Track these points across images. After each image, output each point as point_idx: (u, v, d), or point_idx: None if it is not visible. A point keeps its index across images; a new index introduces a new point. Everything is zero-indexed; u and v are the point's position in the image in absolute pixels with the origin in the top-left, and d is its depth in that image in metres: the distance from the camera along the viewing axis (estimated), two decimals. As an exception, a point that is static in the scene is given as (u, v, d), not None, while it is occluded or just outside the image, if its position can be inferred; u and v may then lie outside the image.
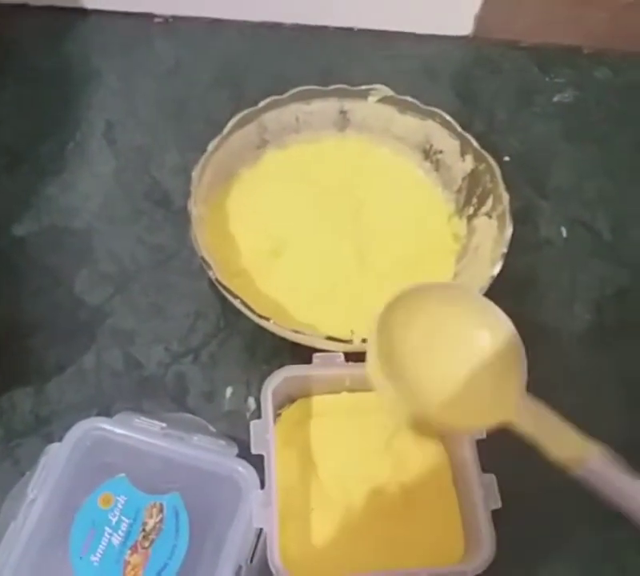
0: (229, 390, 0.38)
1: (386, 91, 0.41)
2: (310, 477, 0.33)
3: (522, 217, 0.42)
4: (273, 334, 0.36)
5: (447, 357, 0.28)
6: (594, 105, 0.48)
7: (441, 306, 0.28)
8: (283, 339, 0.36)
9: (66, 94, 0.48)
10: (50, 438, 0.36)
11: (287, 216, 0.41)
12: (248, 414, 0.37)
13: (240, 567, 0.31)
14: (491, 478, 0.31)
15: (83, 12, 0.52)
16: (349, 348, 0.34)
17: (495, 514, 0.30)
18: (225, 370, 0.39)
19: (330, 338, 0.33)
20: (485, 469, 0.31)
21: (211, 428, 0.36)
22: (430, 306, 0.28)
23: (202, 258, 0.35)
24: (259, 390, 0.34)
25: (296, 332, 0.33)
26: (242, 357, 0.39)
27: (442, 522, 0.32)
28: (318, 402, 0.35)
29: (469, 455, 0.31)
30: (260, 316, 0.34)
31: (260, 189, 0.41)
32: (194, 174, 0.37)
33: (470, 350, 0.28)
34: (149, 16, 0.52)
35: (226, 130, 0.39)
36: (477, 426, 0.29)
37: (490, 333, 0.28)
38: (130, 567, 0.31)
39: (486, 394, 0.27)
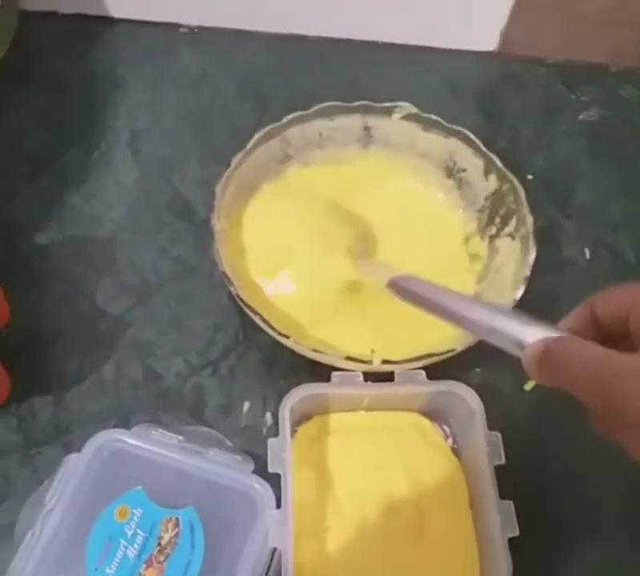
0: (246, 405, 0.38)
1: (410, 108, 0.41)
2: (325, 496, 0.33)
3: (545, 236, 0.41)
4: (291, 351, 0.37)
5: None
6: (620, 124, 0.48)
7: None
8: (301, 356, 0.36)
9: (91, 103, 0.49)
10: (68, 448, 0.36)
11: (306, 234, 0.40)
12: (265, 430, 0.37)
13: (254, 585, 0.32)
14: (509, 504, 0.31)
15: (110, 21, 0.52)
16: (368, 368, 0.34)
17: (512, 542, 0.30)
18: (243, 383, 0.39)
19: (349, 358, 0.33)
20: (503, 495, 0.31)
21: (228, 442, 0.37)
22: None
23: (224, 273, 0.35)
24: (276, 406, 0.34)
25: (316, 351, 0.33)
26: (260, 371, 0.39)
27: (457, 546, 0.31)
28: (335, 419, 0.35)
29: (487, 481, 0.31)
30: (280, 333, 0.34)
31: (285, 210, 0.41)
32: (218, 188, 0.37)
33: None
34: (175, 26, 0.52)
35: (250, 145, 0.39)
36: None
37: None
38: (144, 581, 0.32)
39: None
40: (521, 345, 0.25)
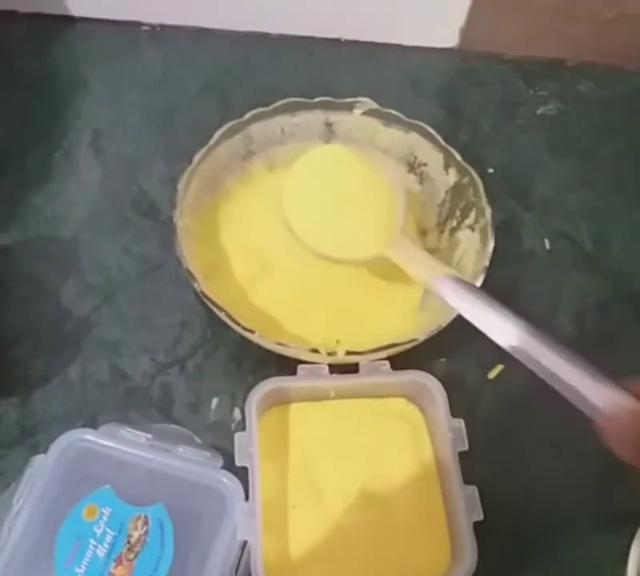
0: (214, 401, 0.38)
1: (371, 104, 0.41)
2: (292, 487, 0.33)
3: (505, 229, 0.42)
4: (259, 346, 0.37)
5: (339, 204, 0.36)
6: (577, 117, 0.49)
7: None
8: (269, 351, 0.36)
9: (52, 103, 0.48)
10: (35, 449, 0.36)
11: (273, 231, 0.41)
12: (233, 425, 0.38)
13: (224, 579, 0.32)
14: (473, 489, 0.31)
15: (71, 20, 0.51)
16: (333, 360, 0.34)
17: (479, 527, 0.31)
18: (211, 381, 0.39)
19: (314, 351, 0.34)
20: (468, 481, 0.32)
21: (197, 439, 0.37)
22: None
23: (187, 270, 0.35)
24: (245, 401, 0.34)
25: (280, 344, 0.34)
26: (228, 368, 0.39)
27: (428, 533, 0.32)
28: (296, 409, 0.35)
29: (451, 467, 0.32)
30: (245, 328, 0.34)
31: (248, 204, 0.42)
32: (180, 185, 0.37)
33: (358, 199, 0.36)
34: (136, 24, 0.52)
35: (212, 141, 0.39)
36: (360, 257, 0.36)
37: (374, 184, 0.37)
38: (114, 579, 0.32)
39: (370, 230, 0.36)
40: (598, 411, 0.25)
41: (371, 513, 0.32)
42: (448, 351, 0.39)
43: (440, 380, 0.35)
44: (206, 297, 0.35)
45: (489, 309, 0.30)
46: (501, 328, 0.28)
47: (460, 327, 0.38)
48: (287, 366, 0.36)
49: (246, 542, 0.32)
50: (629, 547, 0.33)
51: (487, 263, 0.36)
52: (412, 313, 0.39)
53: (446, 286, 0.31)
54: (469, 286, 0.32)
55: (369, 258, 0.36)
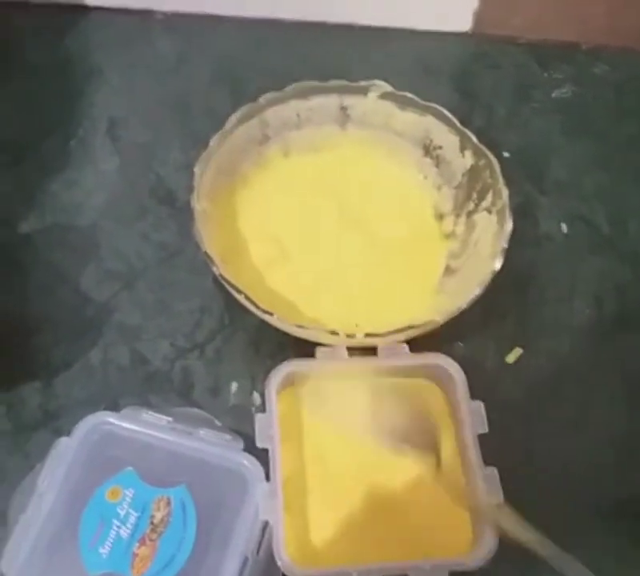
0: (234, 385, 0.39)
1: (386, 87, 0.41)
2: (312, 468, 0.33)
3: (521, 212, 0.42)
4: (277, 330, 0.37)
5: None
6: (592, 100, 0.49)
7: None
8: (287, 335, 0.37)
9: (67, 91, 0.49)
10: (58, 433, 0.36)
11: (291, 218, 0.41)
12: (253, 409, 0.38)
13: (246, 559, 0.32)
14: (493, 470, 0.31)
15: (84, 9, 0.52)
16: (352, 342, 0.34)
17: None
18: (230, 365, 0.39)
19: (332, 332, 0.34)
20: (488, 462, 0.32)
21: (217, 422, 0.37)
22: None
23: (206, 253, 0.36)
24: (264, 385, 0.35)
25: (299, 327, 0.34)
26: (247, 352, 0.40)
27: (449, 515, 0.32)
28: (314, 389, 0.35)
29: (471, 448, 0.32)
30: (263, 311, 0.34)
31: (265, 192, 0.42)
32: (197, 169, 0.37)
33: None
34: (149, 13, 0.52)
35: (227, 126, 0.39)
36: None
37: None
38: (138, 559, 0.32)
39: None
40: None
41: (392, 493, 0.32)
42: (466, 335, 0.39)
43: (458, 363, 0.35)
44: (225, 279, 0.35)
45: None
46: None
47: (478, 311, 0.38)
48: (305, 350, 0.36)
49: (267, 523, 0.32)
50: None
51: (505, 245, 0.36)
52: (430, 296, 0.39)
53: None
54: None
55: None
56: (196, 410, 0.37)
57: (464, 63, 0.50)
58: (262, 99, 0.40)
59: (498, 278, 0.36)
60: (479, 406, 0.33)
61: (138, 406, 0.36)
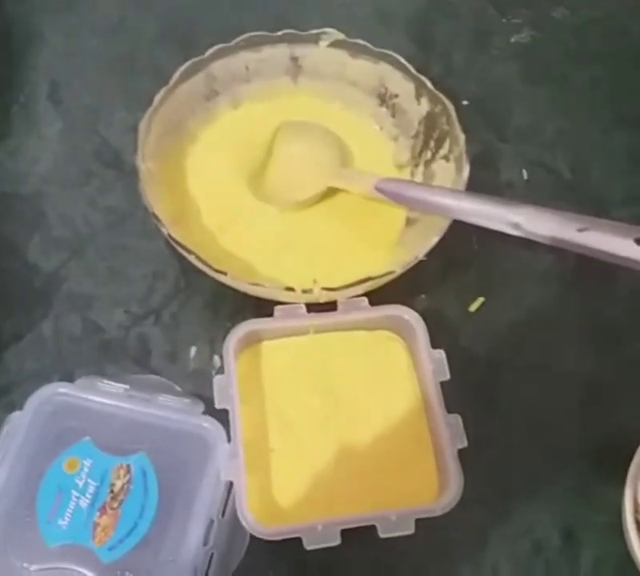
0: (193, 350, 0.38)
1: (337, 35, 0.39)
2: (272, 427, 0.33)
3: (482, 161, 0.41)
4: (234, 292, 0.36)
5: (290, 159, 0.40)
6: (552, 45, 0.47)
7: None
8: (246, 296, 0.35)
9: (7, 56, 0.46)
10: (11, 408, 0.34)
11: (243, 174, 0.40)
12: (213, 372, 0.37)
13: (212, 522, 0.31)
14: (456, 418, 0.31)
15: (22, -29, 0.49)
16: (310, 298, 0.33)
17: (464, 455, 0.30)
18: (187, 329, 0.38)
19: (288, 289, 0.33)
20: (451, 410, 0.31)
21: (177, 388, 0.36)
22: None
23: (153, 214, 0.34)
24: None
25: (254, 284, 0.33)
26: (205, 316, 0.38)
27: (415, 463, 0.31)
28: (272, 347, 0.34)
29: (434, 396, 0.31)
30: (217, 270, 0.33)
31: (214, 147, 0.40)
32: (141, 127, 0.36)
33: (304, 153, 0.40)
34: (89, -28, 0.49)
35: (172, 82, 0.37)
36: (312, 193, 0.39)
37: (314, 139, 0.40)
38: (99, 528, 0.31)
39: (316, 172, 0.39)
40: (515, 224, 0.30)
41: (356, 445, 0.32)
42: (427, 287, 0.39)
43: (421, 315, 0.34)
44: (175, 240, 0.33)
45: (426, 189, 0.36)
46: (441, 201, 0.34)
47: (439, 263, 0.37)
48: (265, 310, 0.35)
49: (231, 484, 0.32)
50: (617, 474, 0.33)
51: (462, 190, 0.34)
52: (389, 249, 0.38)
53: (384, 186, 0.36)
54: (401, 179, 0.38)
55: (321, 192, 0.39)
56: (154, 377, 0.36)
57: (420, 11, 0.48)
58: (208, 52, 0.39)
59: (458, 226, 0.34)
60: (440, 353, 0.32)
61: (93, 376, 0.35)
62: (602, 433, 0.36)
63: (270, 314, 0.35)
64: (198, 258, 0.33)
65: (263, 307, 0.35)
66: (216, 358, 0.37)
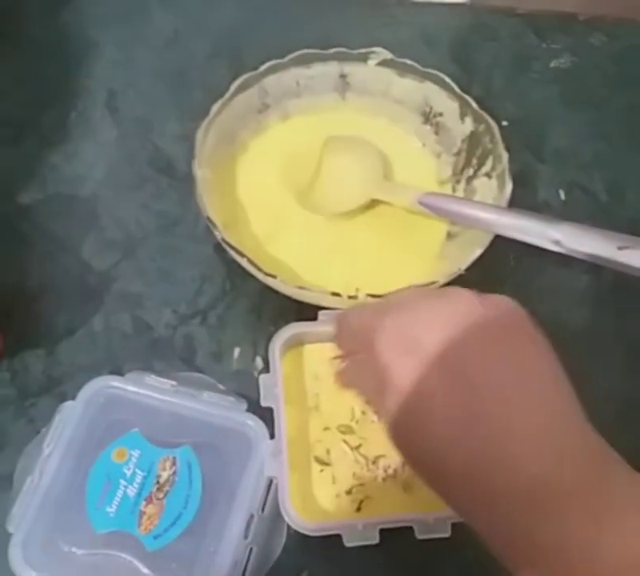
0: (237, 351, 0.39)
1: (386, 54, 0.41)
2: (313, 425, 0.34)
3: (521, 181, 0.42)
4: (278, 296, 0.37)
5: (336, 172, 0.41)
6: (590, 70, 0.49)
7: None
8: (289, 300, 0.37)
9: (65, 65, 0.48)
10: (63, 398, 0.36)
11: (291, 184, 0.42)
12: (256, 373, 0.38)
13: (252, 516, 0.33)
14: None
15: (81, -17, 0.51)
16: (353, 303, 0.35)
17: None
18: (232, 331, 0.40)
19: (334, 294, 0.34)
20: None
21: (220, 386, 0.37)
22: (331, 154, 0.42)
23: (208, 218, 0.36)
24: (266, 350, 0.35)
25: (301, 288, 0.34)
26: (249, 318, 0.40)
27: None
28: (314, 350, 0.36)
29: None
30: (266, 274, 0.34)
31: (263, 157, 0.42)
32: (198, 136, 0.38)
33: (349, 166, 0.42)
34: (146, -14, 0.52)
35: (228, 94, 0.39)
36: (358, 203, 0.41)
37: (359, 153, 0.42)
38: (145, 517, 0.33)
39: (361, 184, 0.41)
40: (556, 241, 0.32)
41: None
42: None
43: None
44: (227, 243, 0.35)
45: (469, 203, 0.37)
46: (483, 216, 0.35)
47: (478, 277, 0.39)
48: (307, 315, 0.36)
49: (271, 481, 0.33)
50: None
51: (505, 206, 0.36)
52: (431, 261, 0.39)
53: (428, 200, 0.38)
54: (445, 194, 0.40)
55: (365, 203, 0.41)
56: (199, 375, 0.38)
57: (462, 34, 0.50)
58: (262, 67, 0.41)
59: (498, 244, 0.36)
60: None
61: (141, 371, 0.37)
62: (638, 452, 0.36)
63: (312, 319, 0.36)
64: (250, 261, 0.35)
65: (305, 312, 0.37)
66: (258, 359, 0.39)
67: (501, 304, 0.24)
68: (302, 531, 0.30)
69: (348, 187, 0.41)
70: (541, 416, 0.22)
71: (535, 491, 0.20)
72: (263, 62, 0.41)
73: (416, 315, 0.24)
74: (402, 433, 0.23)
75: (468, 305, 0.24)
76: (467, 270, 0.36)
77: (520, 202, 0.38)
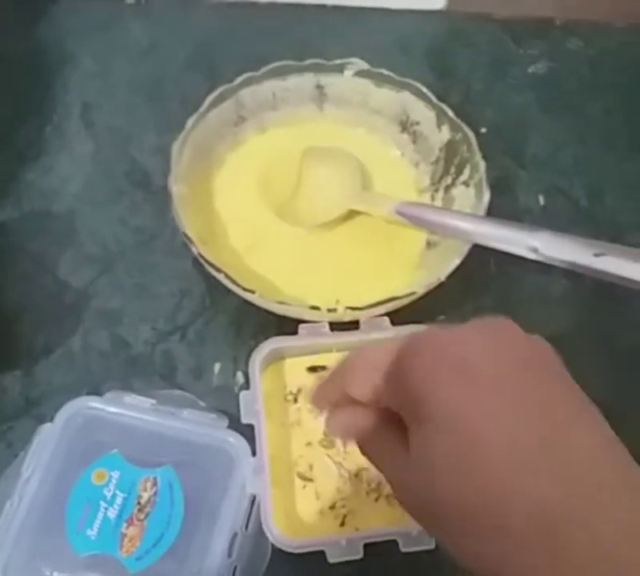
0: (217, 367, 0.39)
1: (362, 65, 0.41)
2: (295, 441, 0.34)
3: (500, 187, 0.42)
4: (258, 311, 0.37)
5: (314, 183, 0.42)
6: (567, 75, 0.49)
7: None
8: (269, 314, 0.37)
9: (41, 78, 0.48)
10: (41, 420, 0.36)
11: (269, 197, 0.41)
12: (236, 389, 0.38)
13: (235, 534, 0.32)
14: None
15: (55, -4, 0.51)
16: (334, 317, 0.34)
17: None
18: (212, 346, 0.39)
19: (314, 308, 0.34)
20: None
21: (201, 403, 0.37)
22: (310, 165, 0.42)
23: (185, 234, 0.35)
24: (247, 365, 0.34)
25: (280, 303, 0.34)
26: (229, 333, 0.39)
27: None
28: (294, 364, 0.36)
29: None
30: (244, 289, 0.34)
31: (240, 171, 0.42)
32: (174, 150, 0.37)
33: (327, 177, 0.42)
34: (120, -3, 0.51)
35: (203, 108, 0.39)
36: (337, 214, 0.40)
37: (337, 164, 0.42)
38: (127, 539, 0.32)
39: (339, 195, 0.41)
40: (533, 249, 0.32)
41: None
42: (447, 309, 0.39)
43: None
44: (204, 259, 0.35)
45: (445, 213, 0.37)
46: (460, 225, 0.35)
47: (459, 285, 0.38)
48: (288, 329, 0.36)
49: (254, 498, 0.32)
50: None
51: (483, 215, 0.36)
52: (409, 271, 0.39)
53: (404, 210, 0.38)
54: (421, 203, 0.40)
55: (343, 214, 0.41)
56: (179, 392, 0.37)
57: (439, 41, 0.50)
58: (237, 80, 0.40)
59: (477, 252, 0.36)
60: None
61: (120, 390, 0.36)
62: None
63: (293, 333, 0.36)
64: (227, 276, 0.34)
65: (286, 326, 0.36)
66: (239, 374, 0.38)
67: (543, 344, 0.22)
68: (284, 549, 0.30)
69: (325, 198, 0.40)
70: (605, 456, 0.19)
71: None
72: (240, 73, 0.41)
73: (465, 338, 0.21)
74: (448, 476, 0.19)
75: (519, 339, 0.21)
76: (448, 278, 0.35)
77: (500, 208, 0.38)
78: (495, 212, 0.37)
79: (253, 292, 0.34)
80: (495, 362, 0.20)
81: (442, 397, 0.19)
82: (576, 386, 0.21)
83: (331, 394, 0.23)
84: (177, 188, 0.37)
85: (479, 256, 0.36)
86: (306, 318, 0.35)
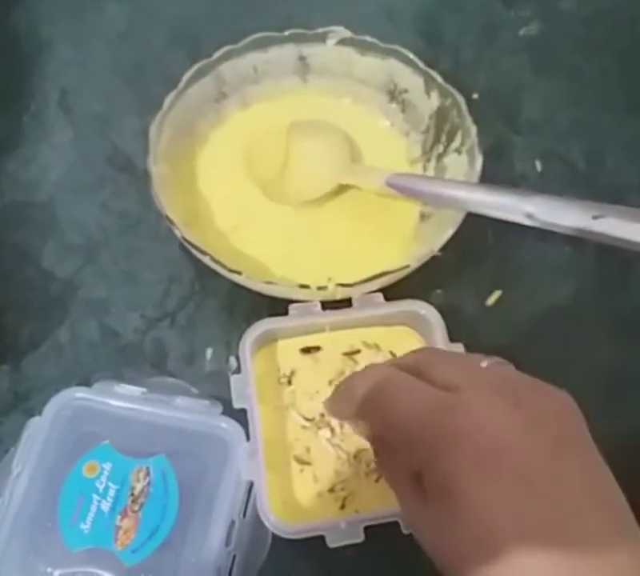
0: (209, 352, 0.37)
1: (344, 32, 0.39)
2: (290, 424, 0.33)
3: (495, 153, 0.41)
4: (249, 293, 0.35)
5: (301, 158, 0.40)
6: (560, 36, 0.47)
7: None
8: (261, 297, 0.35)
9: (17, 66, 0.47)
10: (31, 414, 0.35)
11: (255, 174, 0.40)
12: (230, 374, 0.36)
13: (233, 522, 0.31)
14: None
15: (27, -18, 0.49)
16: (325, 295, 0.33)
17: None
18: (203, 331, 0.38)
19: (303, 286, 0.32)
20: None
21: (193, 390, 0.36)
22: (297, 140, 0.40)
23: (167, 217, 0.34)
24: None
25: (268, 283, 0.32)
26: (220, 317, 0.38)
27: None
28: (287, 346, 0.34)
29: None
30: (231, 270, 0.33)
31: (224, 148, 0.40)
32: (152, 130, 0.36)
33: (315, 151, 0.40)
34: (95, -20, 0.50)
35: (181, 85, 0.37)
36: (326, 189, 0.39)
37: (324, 137, 0.40)
38: (121, 531, 0.31)
39: (327, 169, 0.39)
40: (529, 214, 0.30)
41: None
42: (443, 282, 0.38)
43: (438, 310, 0.34)
44: (189, 242, 0.33)
45: (436, 182, 0.36)
46: (452, 194, 0.33)
47: (455, 257, 0.37)
48: (280, 310, 0.35)
49: (251, 485, 0.31)
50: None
51: (476, 181, 0.34)
52: (404, 245, 0.38)
53: (395, 181, 0.36)
54: (411, 174, 0.38)
55: (332, 189, 0.39)
56: (171, 379, 0.36)
57: (427, 6, 0.48)
58: (216, 54, 0.39)
59: (475, 222, 0.34)
60: (459, 347, 0.32)
61: (110, 380, 0.35)
62: (626, 424, 0.35)
63: (285, 314, 0.35)
64: (213, 258, 0.33)
65: (278, 307, 0.35)
66: (232, 359, 0.37)
67: (570, 406, 0.22)
68: (282, 535, 0.29)
69: (313, 173, 0.39)
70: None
71: None
72: (222, 47, 0.39)
73: (489, 418, 0.20)
74: (462, 560, 0.19)
75: (546, 409, 0.21)
76: (445, 250, 0.34)
77: (496, 175, 0.37)
78: (491, 180, 0.36)
79: (239, 273, 0.33)
80: (524, 448, 0.19)
81: (466, 488, 0.19)
82: (599, 458, 0.21)
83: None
84: (157, 169, 0.35)
85: (476, 226, 0.34)
86: (296, 297, 0.34)
